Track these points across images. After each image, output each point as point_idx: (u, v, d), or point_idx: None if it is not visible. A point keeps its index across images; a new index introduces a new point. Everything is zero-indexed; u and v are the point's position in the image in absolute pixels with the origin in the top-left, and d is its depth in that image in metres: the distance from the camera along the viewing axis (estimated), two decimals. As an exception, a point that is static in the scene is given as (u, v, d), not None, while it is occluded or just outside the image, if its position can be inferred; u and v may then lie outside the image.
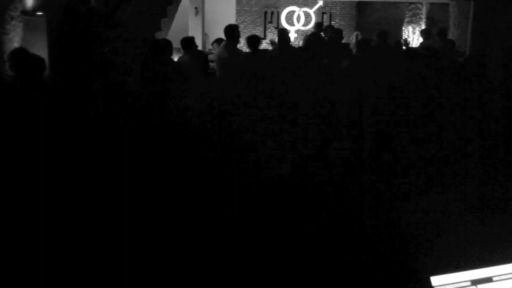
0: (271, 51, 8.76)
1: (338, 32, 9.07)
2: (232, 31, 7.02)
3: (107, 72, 4.44)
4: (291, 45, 8.09)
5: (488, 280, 2.07)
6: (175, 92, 2.79)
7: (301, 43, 10.17)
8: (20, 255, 2.63)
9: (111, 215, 2.72)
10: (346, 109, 3.53)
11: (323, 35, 9.74)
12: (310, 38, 7.07)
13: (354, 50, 9.33)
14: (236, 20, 13.64)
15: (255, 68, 4.45)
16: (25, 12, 7.27)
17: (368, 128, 3.41)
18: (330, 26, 10.66)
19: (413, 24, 12.67)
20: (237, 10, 13.97)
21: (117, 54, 5.58)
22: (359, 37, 10.70)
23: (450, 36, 10.68)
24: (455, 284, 2.02)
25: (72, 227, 2.74)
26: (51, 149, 2.92)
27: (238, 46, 7.57)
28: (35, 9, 7.44)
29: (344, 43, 8.53)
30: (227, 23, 7.46)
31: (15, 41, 7.18)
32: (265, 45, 13.25)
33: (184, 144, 2.85)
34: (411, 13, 12.76)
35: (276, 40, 11.76)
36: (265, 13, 14.19)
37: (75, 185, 2.83)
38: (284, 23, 14.01)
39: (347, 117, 3.48)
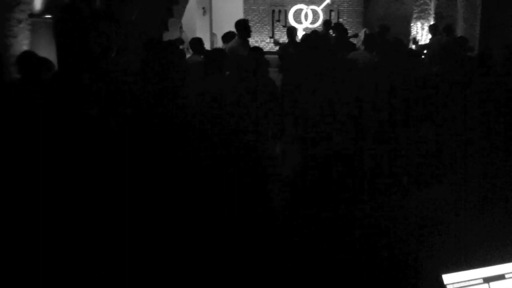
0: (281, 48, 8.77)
1: (343, 31, 8.99)
2: (241, 26, 7.02)
3: (108, 72, 4.46)
4: (297, 42, 8.15)
5: (501, 277, 2.05)
6: (177, 90, 2.79)
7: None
8: (20, 255, 2.64)
9: (112, 215, 2.72)
10: (347, 107, 3.52)
11: (331, 33, 9.68)
12: (311, 36, 7.05)
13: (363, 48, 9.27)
14: (244, 20, 13.65)
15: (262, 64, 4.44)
16: (32, 15, 7.34)
17: (369, 125, 3.41)
18: (337, 24, 10.59)
19: (421, 20, 12.57)
20: (244, 9, 13.97)
21: (121, 55, 5.59)
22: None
23: (460, 31, 10.59)
24: (467, 282, 2.00)
25: (75, 227, 2.75)
26: (55, 153, 2.93)
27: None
28: (43, 11, 7.50)
29: (349, 42, 8.49)
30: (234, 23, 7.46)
31: (23, 44, 7.24)
32: (271, 45, 13.24)
33: (185, 144, 2.84)
34: (419, 9, 12.66)
35: (280, 40, 11.80)
36: (273, 11, 14.17)
37: (74, 184, 2.83)
38: (292, 21, 13.98)
39: (348, 113, 3.47)
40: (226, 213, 2.84)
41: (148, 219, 2.72)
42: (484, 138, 3.33)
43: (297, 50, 7.13)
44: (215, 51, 7.15)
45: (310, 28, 13.63)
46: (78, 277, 2.56)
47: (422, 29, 12.44)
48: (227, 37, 8.00)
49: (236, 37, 7.20)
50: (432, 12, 12.41)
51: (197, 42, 7.97)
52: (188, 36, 11.09)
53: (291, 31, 8.57)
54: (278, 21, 14.10)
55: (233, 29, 7.52)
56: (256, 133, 3.18)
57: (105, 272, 2.55)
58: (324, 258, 2.84)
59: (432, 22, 11.88)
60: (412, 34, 12.51)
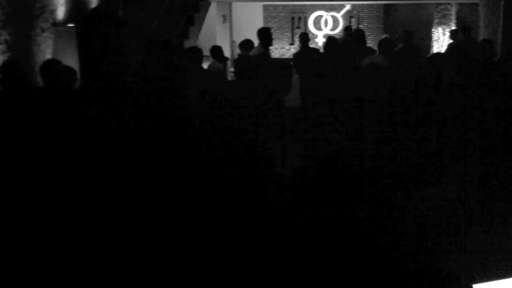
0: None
1: (360, 38, 8.97)
2: (263, 34, 7.06)
3: (108, 72, 4.55)
4: (310, 47, 8.24)
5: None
6: (177, 90, 2.84)
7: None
8: (20, 255, 2.70)
9: (112, 214, 2.77)
10: (347, 107, 3.52)
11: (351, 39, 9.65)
12: (327, 42, 7.11)
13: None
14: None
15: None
16: (56, 24, 7.53)
17: (369, 125, 3.40)
18: (356, 31, 10.57)
19: (442, 26, 12.44)
20: (264, 16, 14.06)
21: (121, 55, 5.69)
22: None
23: (481, 36, 10.44)
24: (500, 293, 1.94)
25: (75, 226, 2.80)
26: (56, 153, 2.99)
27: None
28: (66, 20, 7.70)
29: (368, 47, 8.47)
30: (254, 30, 7.50)
31: (47, 52, 7.43)
32: (292, 52, 13.28)
33: (185, 144, 2.88)
34: (440, 14, 12.54)
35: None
36: (292, 18, 14.23)
37: (74, 183, 2.89)
38: (311, 28, 14.01)
39: (348, 114, 3.47)
40: (226, 213, 2.86)
41: (148, 219, 2.77)
42: (484, 138, 3.29)
43: (307, 56, 7.17)
44: (243, 58, 7.24)
45: (330, 35, 13.64)
46: (78, 276, 2.61)
47: (444, 34, 12.30)
48: (245, 45, 8.07)
49: (258, 45, 7.22)
50: (453, 17, 12.28)
51: (216, 50, 8.10)
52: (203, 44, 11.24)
53: (303, 37, 8.61)
54: (298, 28, 14.14)
55: (253, 36, 7.56)
56: (256, 133, 3.21)
57: (105, 272, 2.59)
58: (324, 258, 2.84)
59: (453, 28, 11.75)
60: (433, 39, 12.39)
